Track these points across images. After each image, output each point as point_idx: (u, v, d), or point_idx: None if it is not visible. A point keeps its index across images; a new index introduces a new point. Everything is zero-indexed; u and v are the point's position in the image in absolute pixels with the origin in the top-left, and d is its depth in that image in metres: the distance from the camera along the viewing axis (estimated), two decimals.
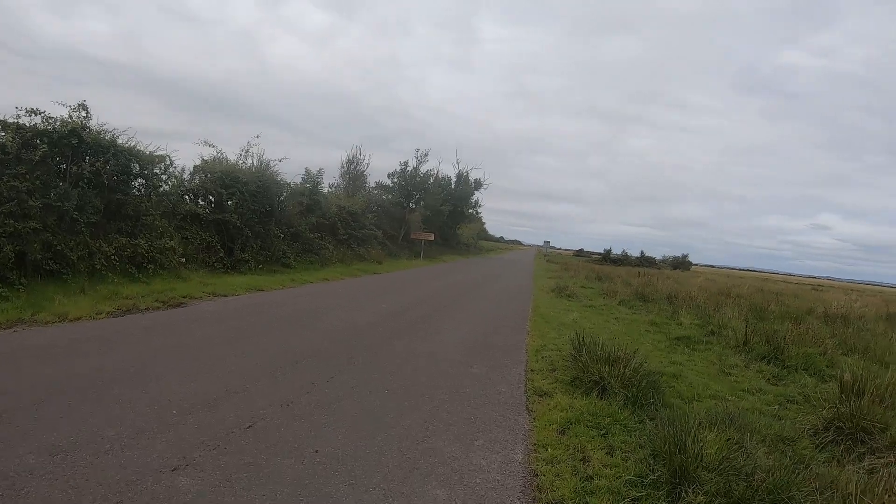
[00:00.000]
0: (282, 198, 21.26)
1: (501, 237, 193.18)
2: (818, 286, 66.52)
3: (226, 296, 12.56)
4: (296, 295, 13.69)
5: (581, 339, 8.24)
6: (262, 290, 13.92)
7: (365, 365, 7.28)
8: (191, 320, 9.48)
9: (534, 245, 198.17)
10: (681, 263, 77.94)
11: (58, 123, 12.77)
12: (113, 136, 14.10)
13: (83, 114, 13.50)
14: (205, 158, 18.51)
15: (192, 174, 18.15)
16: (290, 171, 55.14)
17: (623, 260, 75.69)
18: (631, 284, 25.79)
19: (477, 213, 60.68)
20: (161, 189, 16.29)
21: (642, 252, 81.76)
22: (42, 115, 12.76)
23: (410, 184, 40.26)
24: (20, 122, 12.29)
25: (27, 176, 11.71)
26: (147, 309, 10.30)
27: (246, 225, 17.98)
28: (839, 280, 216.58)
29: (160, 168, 15.77)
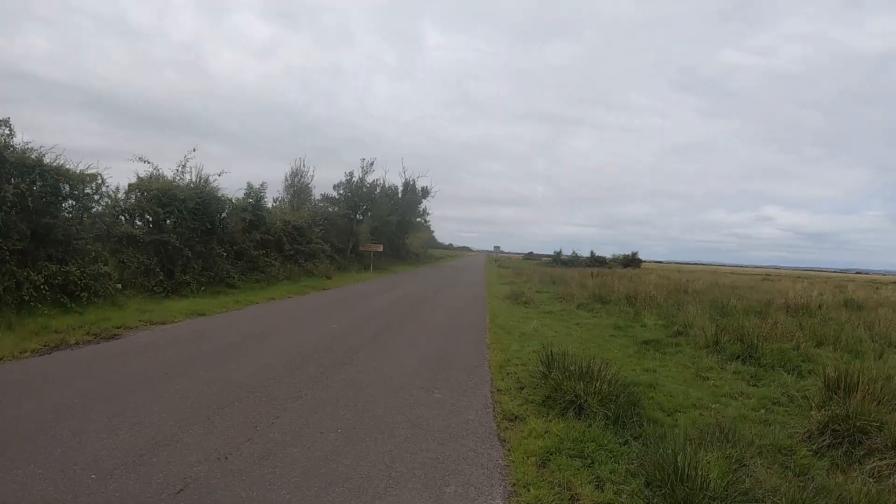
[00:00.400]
0: (223, 214, 20.45)
1: (450, 244, 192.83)
2: (767, 275, 68.46)
3: (164, 324, 11.76)
4: (239, 318, 12.96)
5: (550, 353, 7.79)
6: (204, 315, 13.17)
7: (314, 399, 6.67)
8: (122, 355, 8.70)
9: (483, 251, 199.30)
10: (631, 261, 77.84)
11: None
12: (39, 154, 13.21)
13: (6, 131, 12.63)
14: (140, 176, 17.62)
15: (128, 193, 17.25)
16: (234, 185, 53.74)
17: (573, 261, 75.71)
18: (587, 286, 25.59)
19: (425, 221, 60.20)
20: (94, 210, 15.44)
21: (592, 252, 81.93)
22: None
23: (357, 195, 39.56)
24: None
25: None
26: (77, 344, 9.47)
27: (186, 245, 17.15)
28: (785, 268, 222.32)
29: (91, 188, 14.91)
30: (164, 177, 17.90)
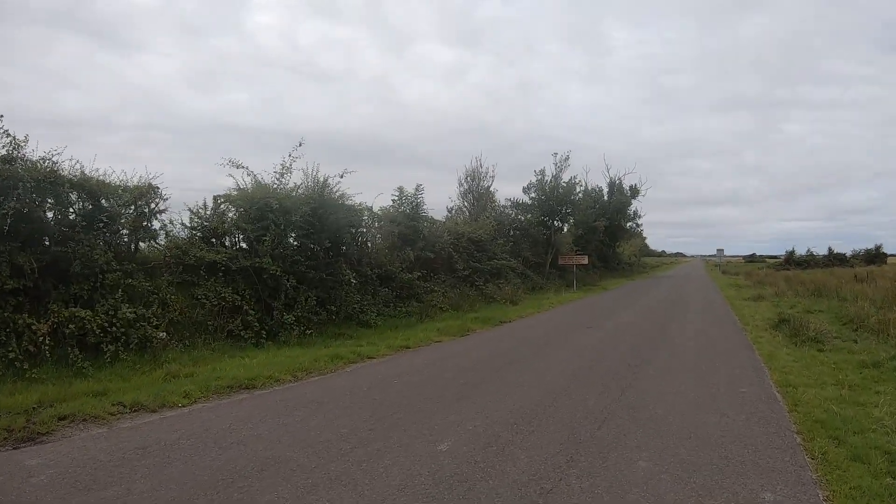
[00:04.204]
0: (360, 228, 15.70)
1: (663, 251, 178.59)
2: None
3: (154, 411, 6.77)
4: (294, 403, 7.37)
5: None
6: (252, 388, 8.03)
7: None
8: None
9: (697, 255, 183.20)
10: (875, 257, 66.05)
11: None
12: (53, 164, 9.66)
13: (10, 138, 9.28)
14: (241, 186, 13.25)
15: (214, 208, 12.95)
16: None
17: (809, 261, 65.26)
18: (871, 298, 17.86)
19: (637, 226, 51.83)
20: (152, 230, 11.40)
21: (830, 249, 71.56)
22: None
23: (552, 197, 32.52)
24: None
25: None
26: None
27: (290, 272, 12.40)
28: None
29: (143, 203, 10.89)
30: (265, 184, 13.33)
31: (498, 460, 5.20)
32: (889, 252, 72.43)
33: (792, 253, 71.80)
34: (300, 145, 13.61)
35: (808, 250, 71.43)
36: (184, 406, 7.04)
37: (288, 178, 13.61)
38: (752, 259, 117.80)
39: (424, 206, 19.16)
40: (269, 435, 5.85)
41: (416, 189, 18.94)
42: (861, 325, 13.62)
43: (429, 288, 17.51)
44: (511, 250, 26.88)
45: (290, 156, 13.59)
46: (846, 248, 71.86)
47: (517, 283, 24.76)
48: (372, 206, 16.52)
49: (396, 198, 18.63)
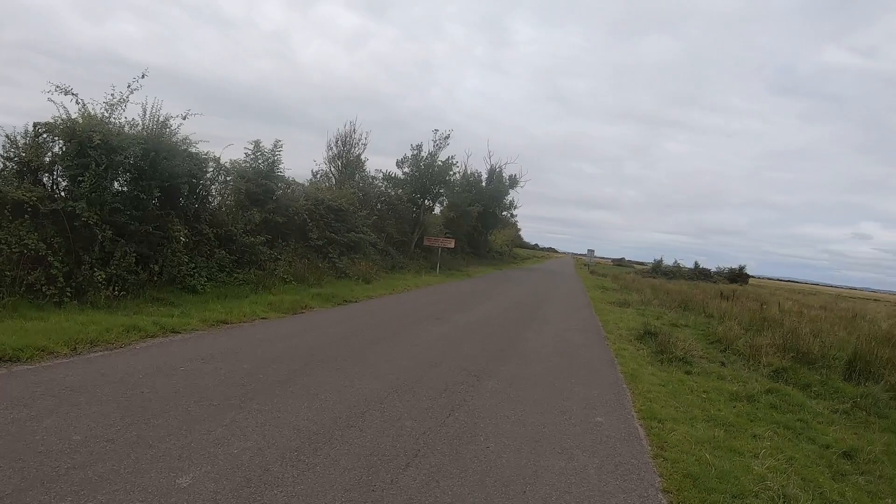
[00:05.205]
0: (202, 181, 14.41)
1: (536, 244, 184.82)
2: (875, 299, 60.96)
3: None
4: (47, 389, 6.35)
5: None
6: (14, 362, 6.82)
7: None
8: None
9: (569, 252, 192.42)
10: (738, 276, 69.45)
11: None
12: None
13: None
14: (69, 115, 11.65)
15: (33, 136, 11.37)
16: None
17: (675, 272, 67.86)
18: (735, 317, 18.24)
19: (512, 215, 52.26)
20: None
21: (696, 263, 73.63)
22: None
23: (426, 175, 31.92)
24: None
25: None
26: None
27: (109, 221, 11.10)
28: (883, 292, 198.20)
29: None
30: (93, 116, 11.79)
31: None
32: (750, 274, 76.77)
33: (660, 262, 73.95)
34: (143, 76, 12.28)
35: (676, 262, 73.55)
36: None
37: (121, 111, 12.19)
38: (620, 263, 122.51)
39: (282, 165, 17.98)
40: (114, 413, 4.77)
41: (275, 145, 17.73)
42: (729, 347, 13.52)
43: (273, 255, 16.39)
44: (375, 224, 26.07)
45: (128, 87, 12.19)
46: (710, 265, 75.15)
47: (375, 259, 24.03)
48: (220, 158, 15.25)
49: (250, 152, 17.32)
